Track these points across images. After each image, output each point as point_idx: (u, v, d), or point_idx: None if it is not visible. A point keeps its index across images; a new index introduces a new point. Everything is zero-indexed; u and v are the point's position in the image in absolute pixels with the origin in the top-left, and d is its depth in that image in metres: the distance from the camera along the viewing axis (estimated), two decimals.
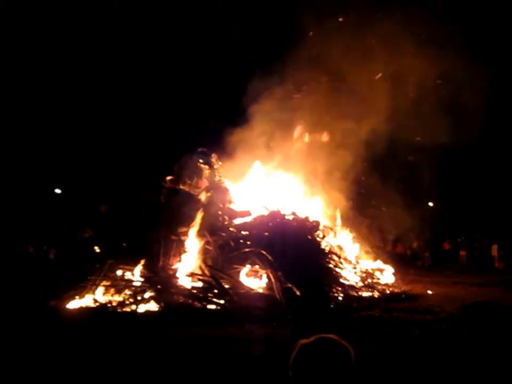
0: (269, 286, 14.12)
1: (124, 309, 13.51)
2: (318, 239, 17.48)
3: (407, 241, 34.23)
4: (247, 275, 14.74)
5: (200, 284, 14.38)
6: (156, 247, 15.34)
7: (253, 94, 20.40)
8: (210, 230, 15.75)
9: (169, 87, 33.81)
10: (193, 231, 15.57)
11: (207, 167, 17.73)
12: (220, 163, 18.21)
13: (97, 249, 18.07)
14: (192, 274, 14.61)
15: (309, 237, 16.96)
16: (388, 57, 20.62)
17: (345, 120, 20.37)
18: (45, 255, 27.68)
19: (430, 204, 43.69)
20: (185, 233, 15.62)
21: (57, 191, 42.99)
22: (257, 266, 14.75)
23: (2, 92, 34.97)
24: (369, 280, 17.83)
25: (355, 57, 20.44)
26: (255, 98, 20.24)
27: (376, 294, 16.73)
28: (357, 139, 20.21)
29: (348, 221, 20.68)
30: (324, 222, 19.10)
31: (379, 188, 21.41)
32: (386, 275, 19.06)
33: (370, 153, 20.70)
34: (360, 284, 17.08)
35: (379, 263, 19.84)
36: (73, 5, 33.95)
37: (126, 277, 15.05)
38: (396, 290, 17.68)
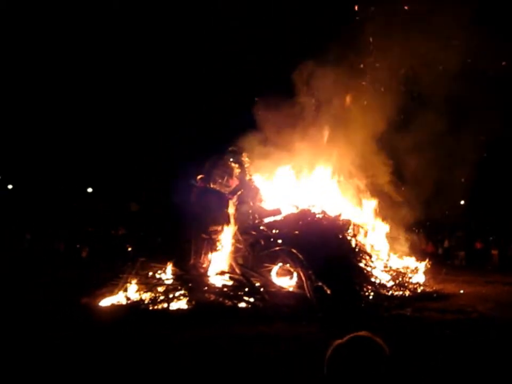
0: (300, 285, 14.12)
1: (156, 307, 13.64)
2: (348, 237, 17.42)
3: (439, 240, 34.00)
4: (278, 273, 14.75)
5: (231, 282, 14.44)
6: (187, 245, 15.43)
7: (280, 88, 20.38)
8: (241, 228, 15.81)
9: (170, 87, 34.03)
10: (226, 229, 15.64)
11: (237, 165, 17.79)
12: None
13: (129, 247, 18.25)
14: (223, 273, 14.69)
15: (340, 235, 16.90)
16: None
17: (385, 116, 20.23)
18: (78, 254, 28.08)
19: (462, 202, 43.25)
20: (216, 232, 15.71)
21: (89, 190, 43.57)
22: (287, 265, 14.76)
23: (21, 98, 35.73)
24: (401, 279, 17.72)
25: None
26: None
27: (407, 293, 16.63)
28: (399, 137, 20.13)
29: (381, 219, 20.53)
30: (355, 219, 19.01)
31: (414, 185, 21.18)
32: (418, 274, 18.92)
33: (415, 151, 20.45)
34: (391, 283, 16.99)
35: (411, 262, 19.71)
36: (73, 5, 34.30)
37: (157, 275, 15.17)
38: (427, 290, 17.54)
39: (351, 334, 2.31)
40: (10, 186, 43.69)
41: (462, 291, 17.69)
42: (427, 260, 20.22)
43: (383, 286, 16.46)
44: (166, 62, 33.03)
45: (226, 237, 15.56)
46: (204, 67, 29.25)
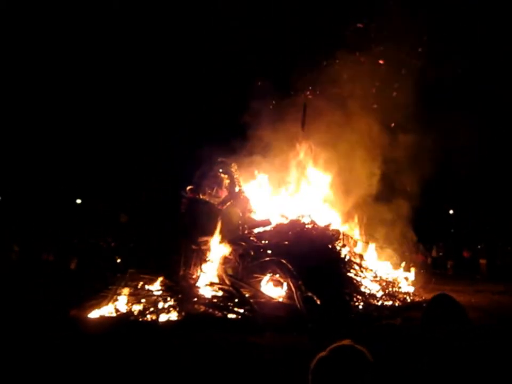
0: (289, 295, 14.11)
1: (145, 318, 13.57)
2: (338, 247, 17.45)
3: (427, 249, 34.08)
4: (268, 284, 14.75)
5: (220, 293, 14.41)
6: (176, 256, 15.39)
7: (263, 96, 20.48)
8: (231, 239, 15.79)
9: (170, 87, 34.03)
10: (215, 240, 15.61)
11: (227, 176, 17.78)
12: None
13: (118, 258, 18.14)
14: (212, 284, 14.66)
15: (329, 245, 16.93)
16: None
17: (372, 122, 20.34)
18: (66, 265, 27.86)
19: (451, 211, 43.47)
20: (206, 243, 15.68)
21: (78, 201, 43.40)
22: (277, 276, 14.75)
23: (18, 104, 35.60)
24: (390, 289, 17.76)
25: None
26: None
27: (397, 303, 16.66)
28: (383, 144, 20.21)
29: (370, 229, 20.60)
30: (344, 230, 19.06)
31: (400, 194, 21.24)
32: (407, 284, 18.98)
33: (395, 160, 20.53)
34: (381, 293, 17.01)
35: (400, 272, 19.76)
36: (74, 4, 34.35)
37: (147, 286, 15.10)
38: (417, 299, 17.58)
39: (334, 343, 2.32)
40: None
41: None
42: (417, 270, 20.31)
43: (372, 296, 16.48)
44: (166, 62, 33.11)
45: (216, 247, 15.55)
46: (204, 67, 29.29)
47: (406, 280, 19.17)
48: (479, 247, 32.59)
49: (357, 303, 15.32)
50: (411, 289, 18.64)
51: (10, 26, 34.39)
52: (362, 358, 2.26)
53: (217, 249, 15.47)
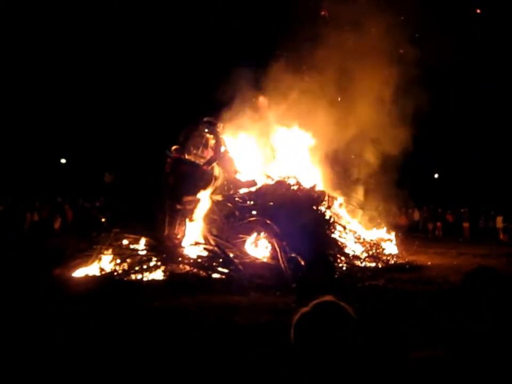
0: (274, 256, 14.16)
1: (130, 278, 13.60)
2: (323, 209, 17.50)
3: (410, 212, 34.33)
4: (252, 244, 14.79)
5: (205, 253, 14.44)
6: (161, 216, 15.36)
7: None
8: (216, 199, 15.77)
9: (171, 87, 33.86)
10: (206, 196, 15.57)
11: (212, 136, 17.64)
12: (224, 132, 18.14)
13: (103, 218, 18.05)
14: (197, 244, 14.67)
15: (314, 207, 16.96)
16: None
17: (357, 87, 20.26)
18: (50, 224, 27.84)
19: (436, 175, 43.68)
20: (190, 203, 15.63)
21: (63, 161, 43.08)
22: (262, 236, 14.79)
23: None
24: (374, 251, 17.90)
25: None
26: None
27: (380, 265, 16.82)
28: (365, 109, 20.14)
29: (355, 192, 20.65)
30: (329, 191, 19.08)
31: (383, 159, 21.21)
32: (391, 246, 19.12)
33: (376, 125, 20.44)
34: (365, 254, 17.15)
35: (384, 234, 19.88)
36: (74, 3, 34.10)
37: (131, 246, 15.09)
38: (400, 261, 17.76)
39: (315, 300, 2.32)
40: None
41: (430, 263, 17.94)
42: (400, 232, 20.46)
43: (356, 257, 16.62)
44: (168, 62, 32.88)
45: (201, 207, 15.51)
46: (204, 67, 29.02)
47: (389, 242, 19.31)
48: (462, 210, 32.88)
49: (340, 264, 15.45)
50: (394, 251, 18.79)
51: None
52: (344, 313, 2.25)
53: (202, 209, 15.44)
